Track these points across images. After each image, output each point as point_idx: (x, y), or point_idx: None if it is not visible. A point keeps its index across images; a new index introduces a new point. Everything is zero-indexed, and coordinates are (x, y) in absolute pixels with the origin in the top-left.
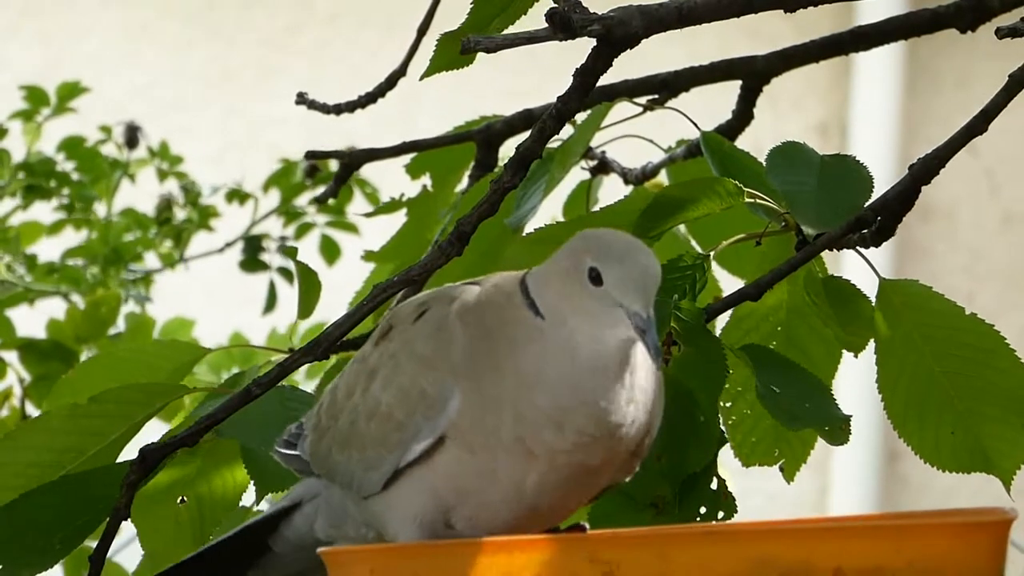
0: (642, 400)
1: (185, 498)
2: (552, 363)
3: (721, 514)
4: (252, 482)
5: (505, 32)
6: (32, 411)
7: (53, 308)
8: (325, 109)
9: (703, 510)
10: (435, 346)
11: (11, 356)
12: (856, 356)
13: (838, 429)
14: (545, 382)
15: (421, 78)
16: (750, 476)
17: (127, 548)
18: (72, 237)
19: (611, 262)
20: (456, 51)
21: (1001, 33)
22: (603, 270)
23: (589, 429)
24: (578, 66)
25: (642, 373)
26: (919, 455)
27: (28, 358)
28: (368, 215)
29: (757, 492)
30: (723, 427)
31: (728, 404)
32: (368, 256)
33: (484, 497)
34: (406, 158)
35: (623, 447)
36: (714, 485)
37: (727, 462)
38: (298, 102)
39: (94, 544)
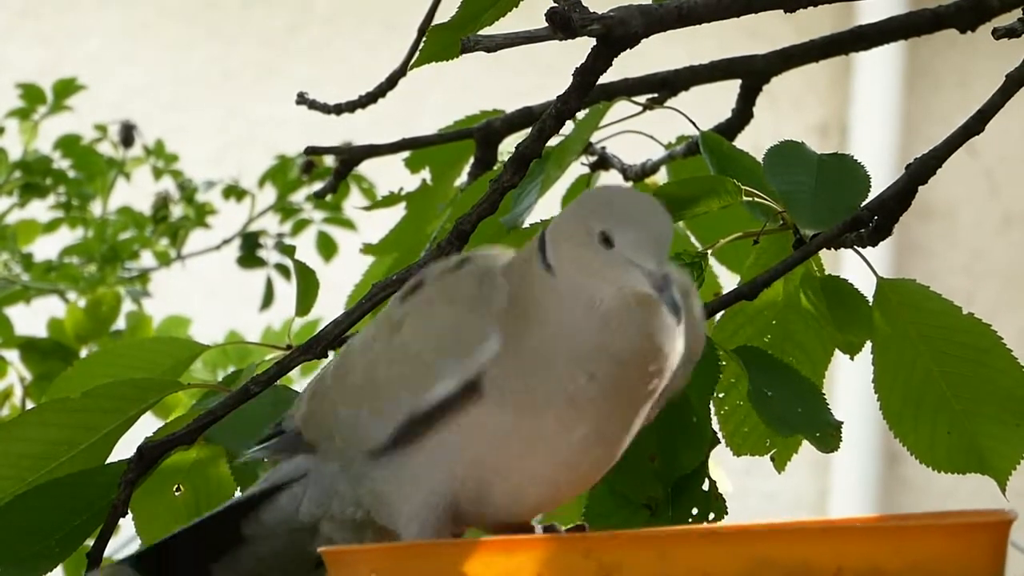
0: (666, 348)
1: (181, 487)
2: (574, 321)
3: (712, 515)
4: (238, 488)
5: (504, 31)
6: None
7: (49, 307)
8: (325, 109)
9: (695, 511)
10: (477, 293)
11: (10, 355)
12: (852, 358)
13: (828, 436)
14: (574, 339)
15: (410, 68)
16: (749, 476)
17: (127, 547)
18: (68, 236)
19: (621, 225)
20: (445, 43)
21: (998, 34)
22: (614, 233)
23: (624, 384)
24: (578, 65)
25: (664, 324)
26: (915, 455)
27: (29, 357)
28: (366, 208)
29: (756, 492)
30: (715, 417)
31: (721, 395)
32: (366, 249)
33: (528, 462)
34: (404, 155)
35: (650, 395)
36: (705, 486)
37: (725, 462)
38: (298, 102)
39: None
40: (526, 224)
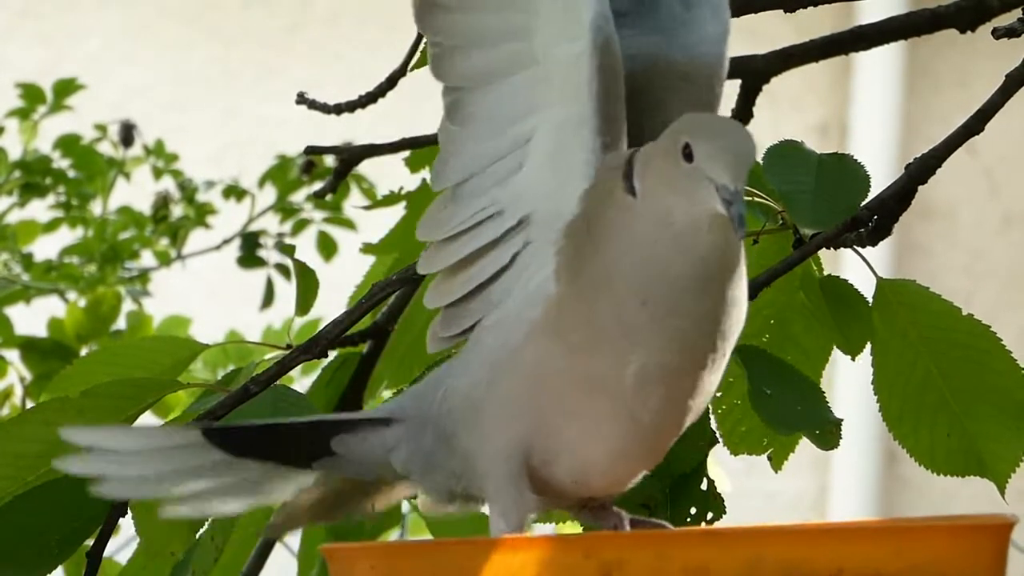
0: (731, 288)
1: None
2: (639, 242)
3: (711, 515)
4: None
5: None
6: None
7: (49, 306)
8: (325, 109)
9: (693, 511)
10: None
11: (10, 354)
12: (853, 359)
13: (829, 433)
14: (633, 262)
15: (411, 69)
16: (749, 477)
17: (127, 547)
18: (68, 235)
19: (703, 138)
20: None
21: (998, 33)
22: (695, 146)
23: (678, 311)
24: None
25: (731, 252)
26: (914, 457)
27: (29, 357)
28: (367, 208)
29: (756, 492)
30: (712, 416)
31: (719, 394)
32: (367, 249)
33: (588, 410)
34: (405, 154)
35: (715, 340)
36: (704, 486)
37: (725, 462)
38: (298, 102)
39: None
40: None
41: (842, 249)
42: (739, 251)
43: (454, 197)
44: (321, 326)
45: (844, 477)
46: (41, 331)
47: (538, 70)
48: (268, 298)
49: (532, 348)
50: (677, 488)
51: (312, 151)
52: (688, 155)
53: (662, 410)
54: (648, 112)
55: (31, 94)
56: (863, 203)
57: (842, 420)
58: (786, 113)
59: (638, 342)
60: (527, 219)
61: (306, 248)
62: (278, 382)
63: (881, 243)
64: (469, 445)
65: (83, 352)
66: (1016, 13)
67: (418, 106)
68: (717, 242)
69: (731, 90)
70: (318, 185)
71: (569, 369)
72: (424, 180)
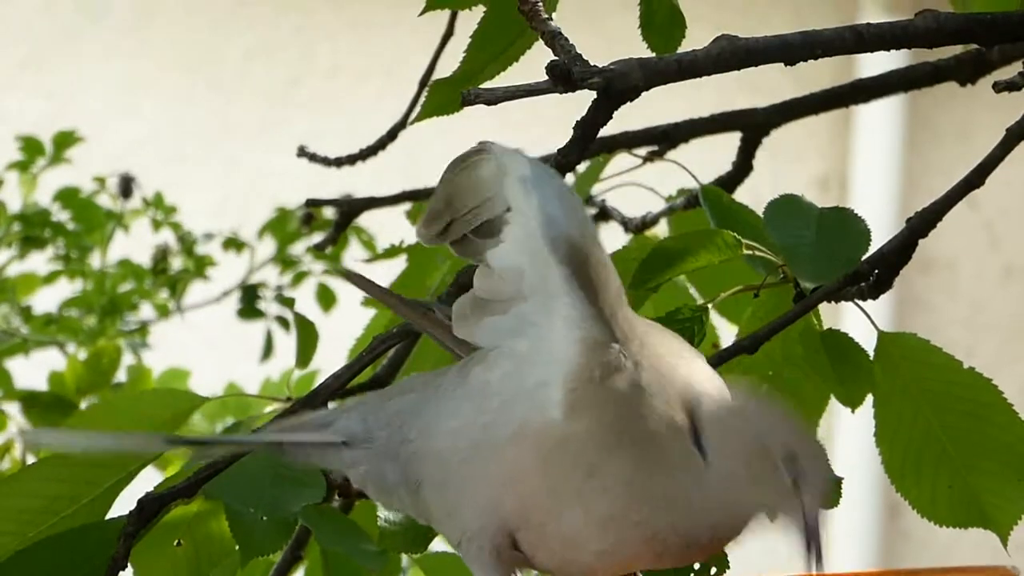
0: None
1: (181, 541)
2: (699, 508)
3: (714, 569)
4: (237, 546)
5: (505, 84)
6: None
7: (49, 359)
8: (326, 162)
9: (697, 565)
10: None
11: (11, 407)
12: (853, 412)
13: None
14: (685, 523)
15: (411, 122)
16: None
17: None
18: (68, 288)
19: (809, 457)
20: (447, 98)
21: (999, 87)
22: (804, 461)
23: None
24: (579, 118)
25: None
26: (916, 509)
27: (30, 410)
28: (367, 261)
29: (755, 545)
30: None
31: None
32: (367, 302)
33: (580, 518)
34: (405, 207)
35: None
36: None
37: None
38: (299, 155)
39: None
40: None
41: (842, 303)
42: None
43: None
44: (320, 378)
45: (845, 531)
46: (41, 384)
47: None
48: (267, 350)
49: (535, 440)
50: None
51: (312, 204)
52: (791, 461)
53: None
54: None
55: (31, 146)
56: (864, 257)
57: (842, 478)
58: (786, 166)
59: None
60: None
61: (305, 300)
62: None
63: (882, 296)
64: (436, 506)
65: (83, 405)
66: (1017, 66)
67: (419, 159)
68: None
69: (732, 143)
70: (318, 237)
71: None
72: None
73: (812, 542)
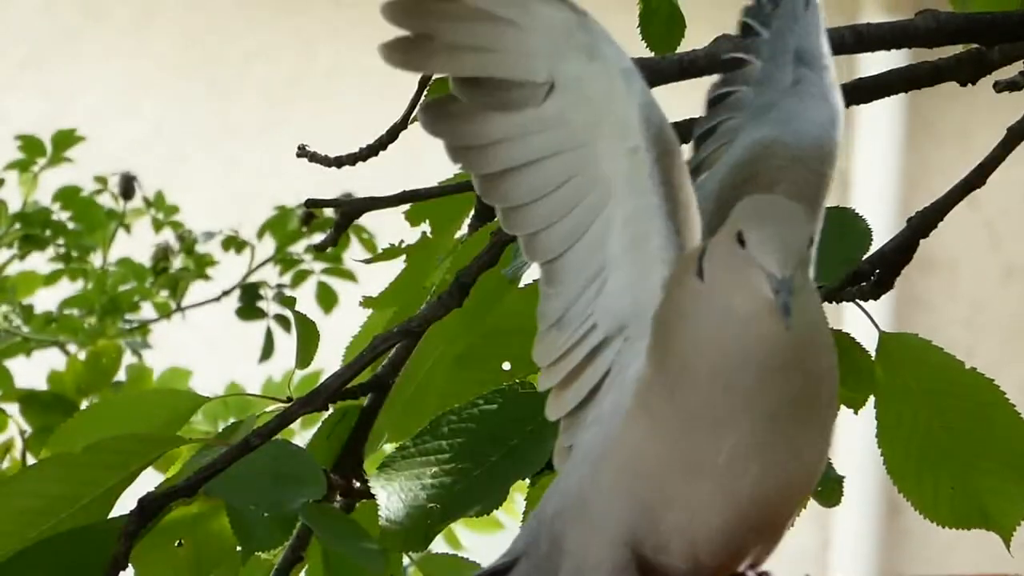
0: (814, 360)
1: (182, 541)
2: (708, 328)
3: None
4: (238, 543)
5: None
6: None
7: (50, 359)
8: (326, 161)
9: None
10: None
11: (11, 408)
12: (856, 413)
13: (830, 490)
14: (706, 348)
15: (411, 121)
16: None
17: None
18: (68, 287)
19: (754, 225)
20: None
21: (999, 87)
22: (746, 233)
23: (761, 393)
24: None
25: (804, 330)
26: (918, 510)
27: (29, 410)
28: (367, 261)
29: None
30: None
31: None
32: (366, 303)
33: (687, 494)
34: (405, 207)
35: (804, 411)
36: None
37: None
38: (299, 154)
39: None
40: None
41: (843, 303)
42: (816, 323)
43: (557, 325)
44: (321, 378)
45: (846, 531)
46: (41, 384)
47: (599, 188)
48: (268, 350)
49: (629, 437)
50: None
51: (312, 204)
52: (742, 242)
53: (762, 487)
54: (759, 188)
55: (31, 146)
56: (864, 257)
57: (844, 477)
58: None
59: (725, 425)
60: (620, 325)
61: (306, 299)
62: (279, 435)
63: (882, 296)
64: (579, 540)
65: (83, 405)
66: (1017, 66)
67: (419, 159)
68: (779, 327)
69: None
70: (318, 236)
71: (664, 455)
72: (424, 233)
73: (777, 295)
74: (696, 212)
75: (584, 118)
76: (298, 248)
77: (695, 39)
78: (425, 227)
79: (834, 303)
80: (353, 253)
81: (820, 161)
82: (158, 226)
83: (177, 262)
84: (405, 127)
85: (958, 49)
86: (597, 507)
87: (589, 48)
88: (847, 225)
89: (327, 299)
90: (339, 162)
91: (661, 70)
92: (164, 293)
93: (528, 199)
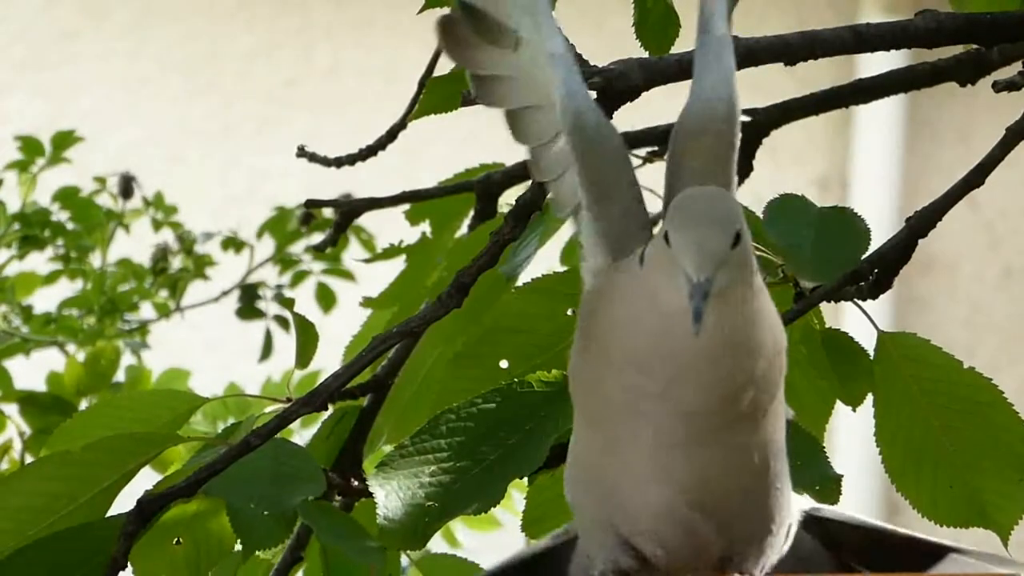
0: (737, 355)
1: (181, 539)
2: (632, 315)
3: None
4: (239, 541)
5: None
6: None
7: (49, 359)
8: (326, 162)
9: None
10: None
11: (10, 408)
12: (854, 410)
13: (829, 489)
14: (627, 334)
15: (410, 120)
16: None
17: None
18: (67, 288)
19: (677, 227)
20: (445, 95)
21: (998, 87)
22: (670, 233)
23: (680, 383)
24: None
25: (725, 328)
26: (916, 509)
27: (28, 411)
28: (366, 261)
29: None
30: None
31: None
32: (366, 303)
33: (626, 480)
34: (404, 207)
35: (730, 399)
36: None
37: None
38: (299, 155)
39: None
40: (526, 276)
41: (842, 303)
42: (742, 326)
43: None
44: (320, 378)
45: None
46: (40, 385)
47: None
48: (267, 350)
49: (576, 426)
50: None
51: (312, 204)
52: (667, 240)
53: (697, 472)
54: (684, 170)
55: (30, 146)
56: (864, 256)
57: (842, 476)
58: (786, 166)
59: (643, 412)
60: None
61: (305, 300)
62: (278, 435)
63: (881, 296)
64: (578, 523)
65: (82, 406)
66: (1016, 66)
67: (419, 159)
68: (689, 331)
69: None
70: (317, 236)
71: (596, 442)
72: (424, 234)
73: (689, 297)
74: (622, 199)
75: (543, 78)
76: (297, 248)
77: (692, 39)
78: (425, 227)
79: (833, 303)
80: (352, 253)
81: (723, 122)
82: (157, 226)
83: (176, 262)
84: (404, 127)
85: (958, 49)
86: (574, 496)
87: (534, 17)
88: (846, 225)
89: (326, 299)
90: (338, 162)
91: (661, 70)
92: (163, 293)
93: (534, 143)
